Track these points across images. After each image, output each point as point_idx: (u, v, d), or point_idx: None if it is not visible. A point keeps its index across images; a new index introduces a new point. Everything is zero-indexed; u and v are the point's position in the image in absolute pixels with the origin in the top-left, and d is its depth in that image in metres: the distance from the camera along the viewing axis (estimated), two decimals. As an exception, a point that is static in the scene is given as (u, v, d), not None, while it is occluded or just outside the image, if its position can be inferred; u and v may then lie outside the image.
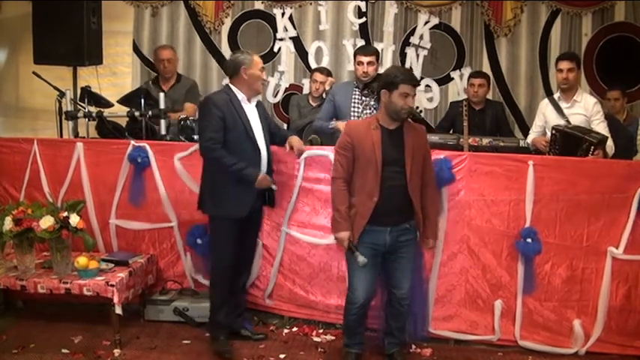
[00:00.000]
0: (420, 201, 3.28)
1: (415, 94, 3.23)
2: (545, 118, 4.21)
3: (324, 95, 4.94)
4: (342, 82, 5.27)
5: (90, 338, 3.66)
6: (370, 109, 4.06)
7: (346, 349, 3.44)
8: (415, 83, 3.23)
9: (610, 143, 3.85)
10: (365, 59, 4.11)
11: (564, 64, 4.08)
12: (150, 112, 4.30)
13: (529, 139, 4.34)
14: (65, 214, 3.48)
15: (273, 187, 3.52)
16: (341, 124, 4.00)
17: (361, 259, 3.15)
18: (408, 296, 3.33)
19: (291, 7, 5.63)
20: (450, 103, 5.35)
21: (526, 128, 5.15)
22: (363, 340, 3.46)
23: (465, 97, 5.20)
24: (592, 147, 3.68)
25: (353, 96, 4.16)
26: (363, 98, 4.12)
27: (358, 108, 4.12)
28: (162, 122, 4.30)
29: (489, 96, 5.23)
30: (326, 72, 5.18)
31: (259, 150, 3.45)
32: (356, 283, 3.27)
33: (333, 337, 3.71)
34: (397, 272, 3.31)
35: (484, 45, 5.49)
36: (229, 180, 3.38)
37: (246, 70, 3.44)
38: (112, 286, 3.47)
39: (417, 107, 3.98)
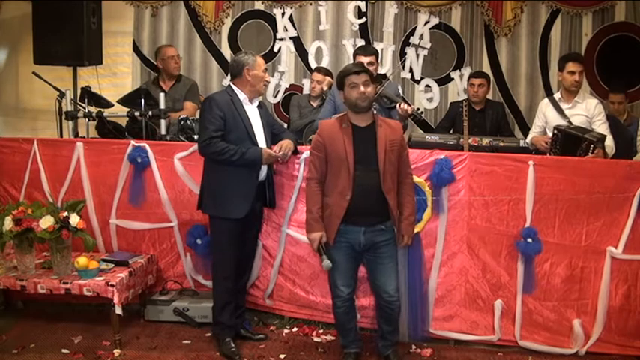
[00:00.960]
0: (396, 199, 3.25)
1: (367, 82, 3.18)
2: (545, 118, 4.21)
3: (323, 96, 4.94)
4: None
5: (90, 338, 3.66)
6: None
7: (344, 350, 3.44)
8: (358, 70, 3.20)
9: (610, 144, 3.85)
10: (365, 59, 4.10)
11: (576, 66, 4.02)
12: (150, 112, 4.30)
13: (529, 139, 4.33)
14: (65, 214, 3.48)
15: (279, 159, 3.50)
16: None
17: (326, 262, 3.17)
18: (396, 298, 3.28)
19: (291, 7, 5.64)
20: (451, 103, 5.36)
21: (526, 128, 5.16)
22: (359, 338, 3.46)
23: (466, 97, 5.21)
24: (591, 146, 3.68)
25: None
26: None
27: None
28: (162, 122, 4.31)
29: (489, 96, 5.24)
30: (324, 71, 5.19)
31: (259, 151, 3.45)
32: (337, 280, 3.28)
33: (333, 337, 3.71)
34: (382, 276, 3.27)
35: (484, 45, 5.50)
36: (229, 181, 3.38)
37: (249, 71, 3.44)
38: (112, 286, 3.47)
39: (418, 109, 3.97)
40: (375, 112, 3.67)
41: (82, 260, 3.53)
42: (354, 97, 3.19)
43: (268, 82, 3.65)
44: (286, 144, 3.57)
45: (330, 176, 3.23)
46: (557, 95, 4.22)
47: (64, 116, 4.42)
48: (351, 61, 5.43)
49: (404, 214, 3.29)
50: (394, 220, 3.26)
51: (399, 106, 3.89)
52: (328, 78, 5.11)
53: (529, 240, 3.51)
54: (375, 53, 4.24)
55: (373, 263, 3.30)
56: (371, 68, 4.07)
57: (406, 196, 3.31)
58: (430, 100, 5.59)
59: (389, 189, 3.19)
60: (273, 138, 3.62)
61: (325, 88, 5.00)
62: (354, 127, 3.23)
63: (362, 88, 3.18)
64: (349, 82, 3.21)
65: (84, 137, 4.44)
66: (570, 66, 4.04)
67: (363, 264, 3.40)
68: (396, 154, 3.23)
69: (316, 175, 3.26)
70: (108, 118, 4.39)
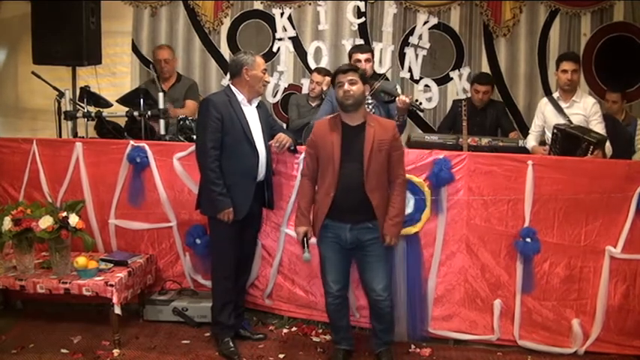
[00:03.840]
0: (384, 199, 3.25)
1: (352, 81, 3.20)
2: (544, 117, 4.21)
3: (323, 96, 4.94)
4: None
5: (89, 338, 3.66)
6: (368, 107, 4.05)
7: (335, 346, 3.46)
8: (344, 70, 3.25)
9: (607, 144, 3.85)
10: (362, 56, 4.11)
11: (569, 65, 4.04)
12: (149, 112, 4.30)
13: (528, 139, 4.34)
14: (64, 214, 3.48)
15: (276, 149, 3.60)
16: None
17: (305, 255, 3.30)
18: (384, 298, 3.27)
19: (290, 7, 5.63)
20: (453, 101, 5.34)
21: (525, 128, 5.14)
22: (350, 336, 3.47)
23: (465, 96, 5.20)
24: (591, 147, 3.68)
25: None
26: None
27: None
28: (162, 122, 4.31)
29: (489, 96, 5.24)
30: (324, 72, 5.18)
31: (257, 152, 3.44)
32: (326, 275, 3.33)
33: (333, 337, 3.72)
34: (368, 273, 3.30)
35: (483, 45, 5.49)
36: (227, 182, 3.37)
37: (248, 71, 3.43)
38: (111, 286, 3.47)
39: (417, 100, 3.97)
40: (370, 110, 3.66)
41: (81, 260, 3.53)
42: (340, 95, 3.24)
43: (268, 82, 3.64)
44: (283, 136, 3.61)
45: (320, 173, 3.29)
46: (556, 95, 4.23)
47: (63, 116, 4.42)
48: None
49: (389, 214, 3.27)
50: (379, 220, 3.25)
51: (398, 99, 3.90)
52: (327, 78, 5.11)
53: (528, 240, 3.51)
54: (371, 51, 4.26)
55: (361, 262, 3.33)
56: (368, 65, 4.10)
57: (395, 196, 3.29)
58: (429, 100, 5.58)
59: (372, 188, 3.19)
60: (273, 138, 3.62)
61: (325, 88, 5.00)
62: (344, 126, 3.26)
63: (346, 86, 3.20)
64: (337, 81, 3.26)
65: (83, 137, 4.44)
66: (563, 65, 4.08)
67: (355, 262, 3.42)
68: (385, 153, 3.22)
69: (307, 172, 3.36)
70: (107, 118, 4.38)
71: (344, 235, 3.25)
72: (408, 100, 3.89)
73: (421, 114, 4.96)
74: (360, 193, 3.19)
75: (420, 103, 3.96)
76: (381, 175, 3.23)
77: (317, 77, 5.11)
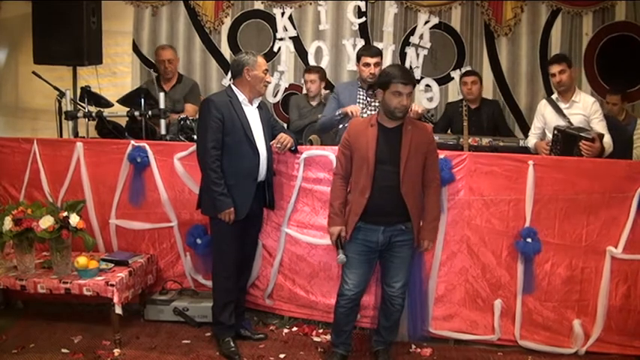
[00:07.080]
0: (418, 202, 3.26)
1: (410, 94, 3.16)
2: (544, 119, 4.21)
3: (322, 100, 4.98)
4: (345, 81, 5.26)
5: (90, 338, 3.66)
6: (375, 109, 4.04)
7: (332, 348, 3.45)
8: (406, 82, 3.12)
9: (609, 141, 3.85)
10: (372, 60, 4.07)
11: (554, 68, 4.09)
12: (150, 112, 4.30)
13: (529, 140, 4.34)
14: (65, 214, 3.48)
15: (278, 150, 3.59)
16: (349, 108, 3.92)
17: (341, 257, 3.26)
18: (399, 296, 3.31)
19: (291, 7, 5.64)
20: (447, 104, 5.36)
21: (526, 128, 5.15)
22: (350, 342, 3.45)
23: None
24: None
25: (357, 96, 4.13)
26: (369, 99, 4.10)
27: (363, 108, 4.10)
28: (162, 122, 4.31)
29: (489, 95, 5.24)
30: (316, 70, 5.17)
31: (258, 152, 3.44)
32: (347, 276, 3.31)
33: (333, 337, 3.72)
34: (390, 270, 3.33)
35: (484, 45, 5.50)
36: (227, 183, 3.37)
37: (249, 72, 3.43)
38: (112, 285, 3.47)
39: (429, 111, 3.97)
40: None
41: (81, 260, 3.53)
42: (394, 105, 3.15)
43: (269, 82, 3.64)
44: (285, 136, 3.61)
45: (354, 174, 3.27)
46: (555, 96, 4.23)
47: (63, 116, 4.42)
48: (351, 61, 5.45)
49: (426, 220, 3.29)
50: (413, 223, 3.25)
51: (410, 108, 3.88)
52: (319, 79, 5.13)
53: (528, 240, 3.51)
54: (380, 54, 4.23)
55: (387, 261, 3.33)
56: (377, 69, 4.06)
57: (431, 200, 3.30)
58: (430, 99, 5.59)
59: (408, 191, 3.18)
60: (274, 139, 3.62)
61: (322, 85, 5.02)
62: (380, 127, 3.23)
63: (405, 101, 3.15)
64: (394, 89, 3.13)
65: (84, 137, 4.44)
66: (550, 69, 4.13)
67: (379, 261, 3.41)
68: (421, 157, 3.22)
69: (341, 171, 3.33)
70: (108, 118, 4.39)
71: (376, 237, 3.24)
72: (420, 111, 3.87)
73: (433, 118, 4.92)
74: (395, 195, 3.18)
75: (432, 115, 3.94)
76: (416, 178, 3.23)
77: (311, 76, 5.10)
